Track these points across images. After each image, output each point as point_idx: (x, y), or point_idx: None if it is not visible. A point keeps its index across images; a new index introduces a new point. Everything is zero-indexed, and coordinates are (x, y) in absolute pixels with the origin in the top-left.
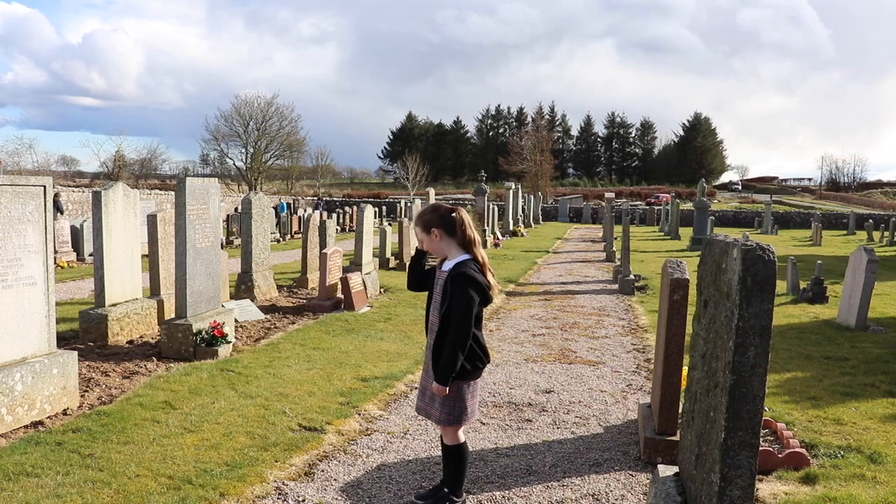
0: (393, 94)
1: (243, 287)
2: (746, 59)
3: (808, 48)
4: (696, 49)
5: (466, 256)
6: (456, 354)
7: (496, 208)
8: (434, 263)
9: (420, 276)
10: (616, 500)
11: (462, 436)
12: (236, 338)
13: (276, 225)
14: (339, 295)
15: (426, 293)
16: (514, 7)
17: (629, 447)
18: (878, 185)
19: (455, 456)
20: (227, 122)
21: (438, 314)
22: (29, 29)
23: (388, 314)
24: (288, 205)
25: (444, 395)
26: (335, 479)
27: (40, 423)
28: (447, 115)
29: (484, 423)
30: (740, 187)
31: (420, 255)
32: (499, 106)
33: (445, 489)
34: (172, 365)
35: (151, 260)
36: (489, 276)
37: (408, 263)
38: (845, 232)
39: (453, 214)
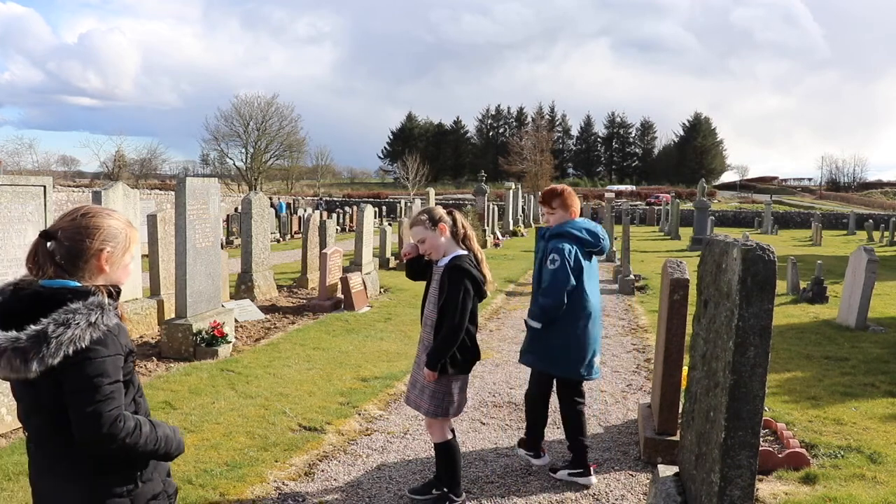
0: (390, 94)
1: (243, 287)
2: (743, 58)
3: (803, 48)
4: (692, 49)
5: (463, 252)
6: (448, 341)
7: (496, 208)
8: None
9: (419, 266)
10: (616, 500)
11: (449, 433)
12: (236, 338)
13: (276, 225)
14: (339, 295)
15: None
16: (507, 7)
17: (629, 447)
18: (878, 185)
19: (445, 454)
20: (226, 122)
21: (435, 308)
22: (25, 28)
23: (388, 314)
24: (288, 205)
25: (433, 387)
26: (335, 479)
27: None
28: (444, 115)
29: (484, 423)
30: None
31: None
32: (499, 106)
33: (444, 489)
34: (172, 365)
35: (151, 260)
36: (485, 271)
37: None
38: (845, 232)
39: (452, 213)
